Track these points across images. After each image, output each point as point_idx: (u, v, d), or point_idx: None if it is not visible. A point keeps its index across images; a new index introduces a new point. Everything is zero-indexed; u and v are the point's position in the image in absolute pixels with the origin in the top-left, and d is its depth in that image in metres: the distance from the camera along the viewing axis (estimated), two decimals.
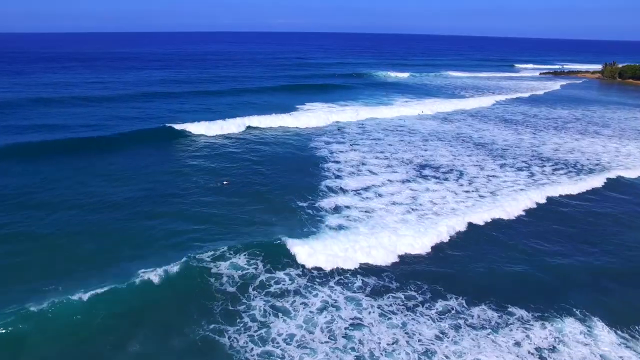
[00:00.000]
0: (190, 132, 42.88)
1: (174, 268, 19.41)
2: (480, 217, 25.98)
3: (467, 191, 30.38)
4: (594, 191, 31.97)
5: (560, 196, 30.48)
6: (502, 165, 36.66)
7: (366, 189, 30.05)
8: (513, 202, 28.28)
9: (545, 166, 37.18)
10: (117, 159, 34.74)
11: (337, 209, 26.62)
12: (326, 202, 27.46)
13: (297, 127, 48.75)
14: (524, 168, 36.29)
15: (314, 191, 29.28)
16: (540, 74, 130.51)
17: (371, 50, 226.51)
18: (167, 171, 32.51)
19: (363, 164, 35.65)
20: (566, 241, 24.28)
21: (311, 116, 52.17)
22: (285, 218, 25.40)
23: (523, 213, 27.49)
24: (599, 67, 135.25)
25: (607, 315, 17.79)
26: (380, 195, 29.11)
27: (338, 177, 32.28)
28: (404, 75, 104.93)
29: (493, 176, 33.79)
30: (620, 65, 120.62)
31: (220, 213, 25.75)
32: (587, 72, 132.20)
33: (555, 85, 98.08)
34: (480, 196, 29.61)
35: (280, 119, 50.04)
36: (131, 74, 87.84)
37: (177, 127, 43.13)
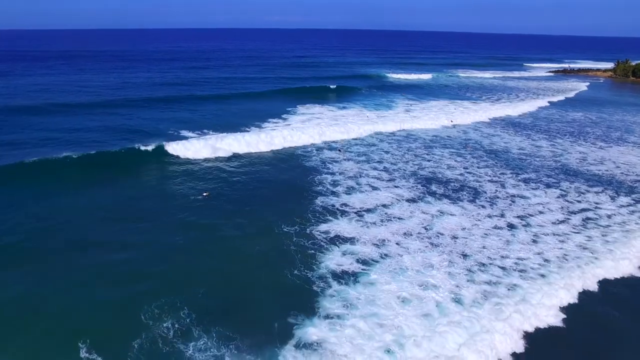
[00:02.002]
0: (166, 152, 36.27)
1: None
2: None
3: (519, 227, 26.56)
4: None
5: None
6: (526, 181, 33.08)
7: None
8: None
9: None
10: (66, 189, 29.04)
11: (336, 242, 22.90)
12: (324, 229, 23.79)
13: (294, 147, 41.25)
14: (553, 184, 32.65)
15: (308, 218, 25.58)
16: (551, 72, 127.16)
17: (372, 48, 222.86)
18: (117, 205, 27.60)
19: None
20: None
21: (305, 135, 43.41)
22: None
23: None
24: (609, 65, 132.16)
25: None
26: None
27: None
28: (417, 77, 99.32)
29: (519, 197, 30.16)
30: (633, 63, 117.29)
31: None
32: (597, 70, 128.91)
33: (581, 85, 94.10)
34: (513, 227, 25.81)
35: (269, 138, 41.25)
36: (115, 74, 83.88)
37: (145, 147, 36.00)
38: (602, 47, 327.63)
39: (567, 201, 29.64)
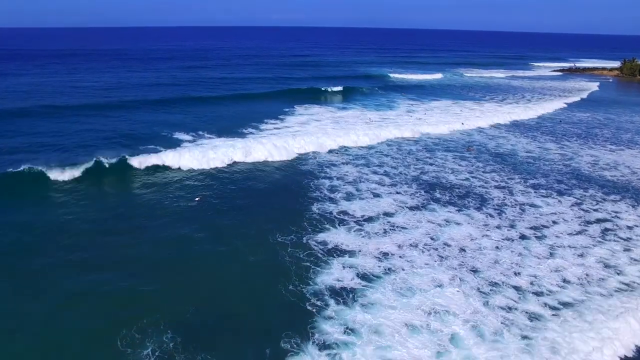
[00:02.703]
0: (155, 163, 33.37)
1: None
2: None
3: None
4: None
5: None
6: (535, 187, 31.62)
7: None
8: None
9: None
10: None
11: (334, 253, 21.46)
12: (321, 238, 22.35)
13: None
14: (565, 191, 31.17)
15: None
16: (557, 71, 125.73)
17: (374, 46, 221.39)
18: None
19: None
20: None
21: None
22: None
23: None
24: (615, 63, 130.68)
25: None
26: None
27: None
28: (428, 77, 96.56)
29: (530, 205, 28.66)
30: None
31: None
32: (603, 69, 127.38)
33: (592, 85, 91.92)
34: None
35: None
36: (110, 74, 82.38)
37: (130, 158, 33.12)
38: (606, 45, 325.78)
39: (583, 210, 28.01)
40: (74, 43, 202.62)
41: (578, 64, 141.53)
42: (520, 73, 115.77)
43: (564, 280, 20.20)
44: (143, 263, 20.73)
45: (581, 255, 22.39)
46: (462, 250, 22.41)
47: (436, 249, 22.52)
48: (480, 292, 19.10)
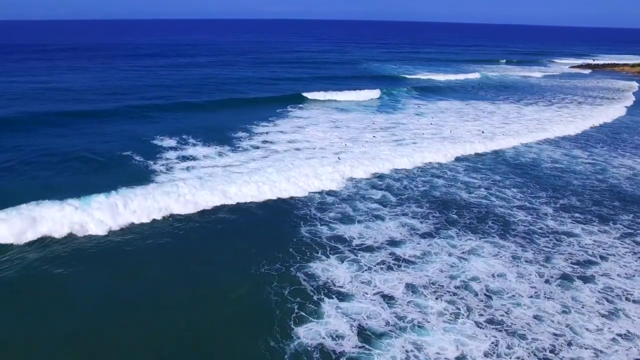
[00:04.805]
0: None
1: None
2: None
3: None
4: None
5: None
6: (567, 208, 27.64)
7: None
8: None
9: None
10: None
11: (325, 292, 17.59)
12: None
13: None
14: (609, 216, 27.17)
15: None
16: (575, 67, 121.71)
17: (377, 41, 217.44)
18: None
19: None
20: None
21: None
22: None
23: None
24: (636, 59, 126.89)
25: None
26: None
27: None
28: (464, 77, 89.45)
29: (566, 233, 24.67)
30: None
31: None
32: (624, 65, 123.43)
33: (632, 85, 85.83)
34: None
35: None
36: (90, 73, 77.88)
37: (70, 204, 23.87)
38: (620, 39, 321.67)
39: (637, 243, 23.73)
40: (58, 37, 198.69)
41: (597, 60, 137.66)
42: (550, 71, 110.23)
43: None
44: (105, 302, 17.58)
45: None
46: (490, 297, 18.42)
47: (457, 294, 18.61)
48: None
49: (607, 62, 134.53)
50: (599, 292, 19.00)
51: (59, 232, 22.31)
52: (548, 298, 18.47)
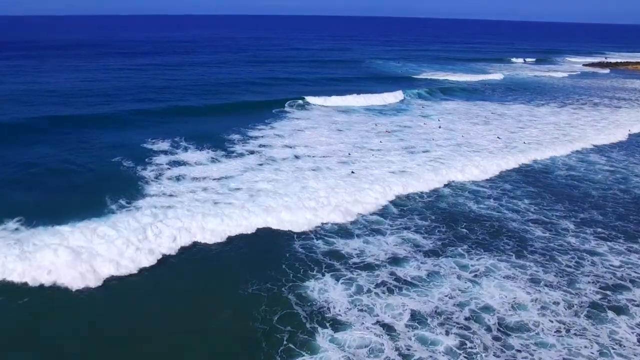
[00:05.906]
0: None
1: None
2: None
3: None
4: None
5: None
6: (588, 223, 25.43)
7: None
8: None
9: None
10: None
11: (318, 319, 15.48)
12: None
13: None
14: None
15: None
16: (587, 65, 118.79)
17: (379, 37, 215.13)
18: None
19: None
20: None
21: None
22: None
23: None
24: None
25: None
26: None
27: None
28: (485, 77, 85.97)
29: (589, 252, 22.43)
30: None
31: None
32: (638, 63, 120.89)
33: None
34: None
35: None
36: (77, 73, 74.58)
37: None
38: (632, 35, 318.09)
39: None
40: (46, 33, 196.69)
41: (609, 58, 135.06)
42: (567, 70, 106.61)
43: None
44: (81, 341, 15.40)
45: None
46: (507, 333, 16.18)
47: (468, 328, 16.45)
48: None
49: (620, 60, 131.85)
50: (637, 326, 16.62)
51: None
52: (578, 335, 16.10)
